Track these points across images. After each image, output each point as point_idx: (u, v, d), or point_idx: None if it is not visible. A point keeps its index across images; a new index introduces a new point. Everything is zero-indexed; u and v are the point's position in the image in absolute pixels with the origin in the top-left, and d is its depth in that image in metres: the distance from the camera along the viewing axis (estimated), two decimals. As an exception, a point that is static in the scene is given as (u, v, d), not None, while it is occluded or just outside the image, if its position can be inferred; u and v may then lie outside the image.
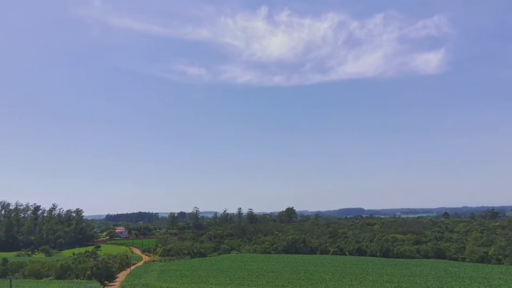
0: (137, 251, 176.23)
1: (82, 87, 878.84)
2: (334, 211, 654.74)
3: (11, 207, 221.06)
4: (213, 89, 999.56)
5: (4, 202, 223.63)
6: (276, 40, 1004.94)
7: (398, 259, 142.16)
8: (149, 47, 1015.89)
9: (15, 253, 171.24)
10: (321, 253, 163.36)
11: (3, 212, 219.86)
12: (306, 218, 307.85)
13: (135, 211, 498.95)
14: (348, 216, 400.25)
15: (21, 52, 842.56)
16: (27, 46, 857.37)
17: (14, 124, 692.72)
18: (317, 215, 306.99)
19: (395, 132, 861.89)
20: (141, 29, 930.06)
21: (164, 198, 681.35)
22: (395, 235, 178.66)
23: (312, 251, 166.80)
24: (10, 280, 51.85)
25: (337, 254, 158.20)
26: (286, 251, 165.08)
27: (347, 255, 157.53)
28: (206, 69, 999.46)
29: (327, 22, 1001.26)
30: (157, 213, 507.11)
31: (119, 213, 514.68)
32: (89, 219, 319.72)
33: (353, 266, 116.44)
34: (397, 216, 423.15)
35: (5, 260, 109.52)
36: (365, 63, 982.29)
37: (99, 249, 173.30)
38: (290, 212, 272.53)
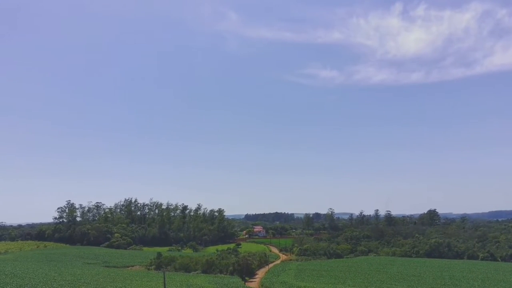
0: (275, 250, 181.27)
1: (227, 98, 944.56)
2: (483, 213, 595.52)
3: (163, 207, 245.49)
4: (346, 91, 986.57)
5: (157, 202, 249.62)
6: (412, 36, 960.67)
7: None
8: (282, 54, 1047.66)
9: (167, 248, 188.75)
10: (468, 258, 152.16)
11: (156, 211, 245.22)
12: (450, 221, 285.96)
13: (272, 212, 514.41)
14: (500, 219, 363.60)
15: (164, 68, 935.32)
16: (170, 63, 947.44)
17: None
18: (463, 218, 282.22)
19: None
20: (274, 37, 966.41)
21: (299, 200, 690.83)
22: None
23: (458, 256, 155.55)
24: (164, 273, 57.17)
25: (487, 260, 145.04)
26: (429, 255, 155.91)
27: (499, 261, 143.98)
28: (338, 70, 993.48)
29: (470, 13, 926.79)
30: (293, 213, 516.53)
31: (257, 213, 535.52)
32: (230, 218, 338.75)
33: (506, 274, 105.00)
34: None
35: (159, 254, 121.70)
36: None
37: (239, 246, 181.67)
38: (432, 214, 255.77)
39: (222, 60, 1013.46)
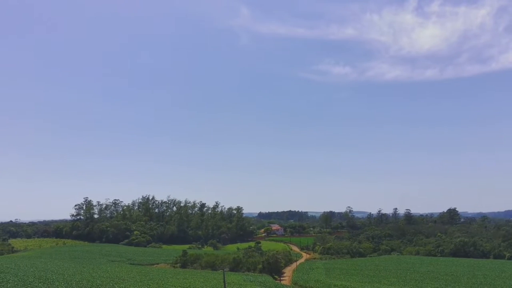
0: (295, 248, 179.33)
1: (237, 95, 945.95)
2: (498, 212, 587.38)
3: (181, 204, 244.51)
4: (358, 87, 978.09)
5: (175, 200, 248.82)
6: (426, 32, 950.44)
7: None
8: (294, 50, 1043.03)
9: (186, 246, 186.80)
10: (495, 257, 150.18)
11: (175, 209, 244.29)
12: (470, 219, 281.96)
13: (285, 210, 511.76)
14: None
15: (180, 64, 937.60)
16: (182, 60, 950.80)
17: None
18: (484, 217, 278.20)
19: None
20: (286, 33, 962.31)
21: (312, 198, 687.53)
22: None
23: (484, 255, 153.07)
24: (224, 272, 54.96)
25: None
26: (454, 254, 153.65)
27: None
28: (351, 67, 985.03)
29: (485, 9, 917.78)
30: (306, 212, 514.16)
31: (270, 211, 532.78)
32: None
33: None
34: None
35: (185, 252, 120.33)
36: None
37: (259, 245, 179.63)
38: (452, 213, 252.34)
39: (234, 56, 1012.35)
